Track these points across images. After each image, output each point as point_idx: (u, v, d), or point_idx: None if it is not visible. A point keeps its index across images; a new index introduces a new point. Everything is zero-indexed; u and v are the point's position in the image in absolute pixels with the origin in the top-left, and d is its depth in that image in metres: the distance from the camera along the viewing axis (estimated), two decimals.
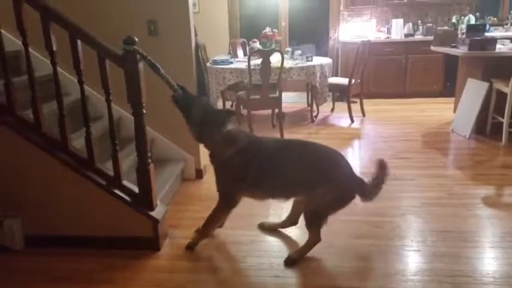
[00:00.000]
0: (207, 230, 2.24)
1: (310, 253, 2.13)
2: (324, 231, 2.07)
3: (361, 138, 4.43)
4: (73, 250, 2.22)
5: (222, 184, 2.15)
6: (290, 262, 2.05)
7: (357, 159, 3.86)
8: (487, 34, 4.86)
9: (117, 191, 2.18)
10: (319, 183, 2.00)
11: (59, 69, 2.10)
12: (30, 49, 2.07)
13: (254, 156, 2.06)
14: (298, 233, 2.31)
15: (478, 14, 6.22)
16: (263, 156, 2.07)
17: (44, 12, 1.98)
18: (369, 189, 2.09)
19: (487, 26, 5.62)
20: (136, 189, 2.20)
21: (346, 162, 2.12)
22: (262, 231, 2.37)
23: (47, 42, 2.01)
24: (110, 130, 2.14)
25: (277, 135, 4.33)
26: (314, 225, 2.06)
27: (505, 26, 6.19)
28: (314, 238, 2.08)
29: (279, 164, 2.06)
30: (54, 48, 2.04)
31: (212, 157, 2.14)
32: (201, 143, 2.16)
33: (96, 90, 2.69)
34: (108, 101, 2.09)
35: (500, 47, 4.05)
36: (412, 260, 2.07)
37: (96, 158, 2.17)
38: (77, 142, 2.30)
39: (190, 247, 2.21)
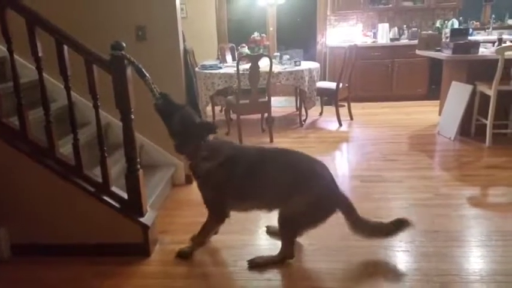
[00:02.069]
0: (201, 241, 2.20)
1: (302, 256, 2.14)
2: (313, 233, 2.08)
3: (349, 141, 4.48)
4: (62, 258, 2.18)
5: (208, 198, 2.13)
6: (253, 265, 2.06)
7: (345, 162, 3.89)
8: (470, 38, 4.97)
9: (106, 198, 2.16)
10: (296, 191, 1.97)
11: (45, 75, 2.08)
12: (15, 55, 2.05)
13: (235, 168, 2.03)
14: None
15: (461, 18, 6.36)
16: (244, 167, 2.04)
17: (29, 17, 1.97)
18: (359, 220, 2.03)
19: (470, 30, 5.75)
20: (125, 196, 2.19)
21: (328, 173, 2.07)
22: (269, 235, 2.35)
23: (33, 48, 1.99)
24: (98, 136, 2.13)
25: (267, 139, 4.35)
26: (287, 234, 2.04)
27: (487, 30, 6.34)
28: (285, 251, 2.06)
29: (259, 174, 2.04)
30: (40, 54, 2.02)
31: (193, 169, 2.12)
32: (180, 153, 2.16)
33: (83, 96, 2.67)
34: (95, 106, 2.08)
35: (483, 51, 4.15)
36: (401, 260, 2.10)
37: (84, 164, 2.15)
38: (65, 149, 2.28)
39: (183, 255, 2.16)
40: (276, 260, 2.07)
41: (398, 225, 2.05)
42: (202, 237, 2.20)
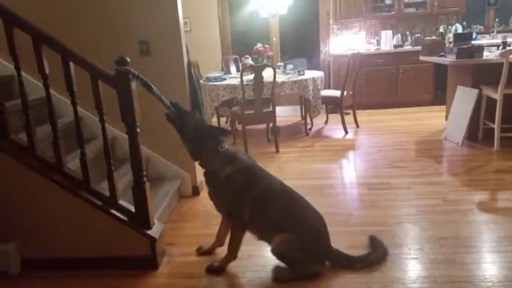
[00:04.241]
0: (233, 255, 2.14)
1: None
2: None
3: (355, 149, 4.46)
4: (70, 272, 2.20)
5: (226, 205, 2.11)
6: (280, 280, 2.04)
7: (352, 170, 3.88)
8: (474, 42, 4.96)
9: (113, 211, 2.18)
10: (289, 229, 1.99)
11: (51, 91, 2.11)
12: (22, 73, 2.09)
13: (255, 180, 2.05)
14: None
15: (464, 23, 6.36)
16: (262, 185, 2.05)
17: (36, 35, 2.01)
18: (352, 259, 2.07)
19: (474, 34, 5.74)
20: (132, 209, 2.20)
21: (324, 225, 2.09)
22: None
23: (39, 65, 2.03)
24: (104, 150, 2.15)
25: (273, 149, 4.36)
26: (286, 264, 2.04)
27: (491, 34, 6.33)
28: (299, 274, 2.02)
29: (272, 194, 2.06)
30: (47, 72, 2.06)
31: (208, 176, 2.11)
32: (195, 160, 2.15)
33: (90, 110, 2.71)
34: (101, 121, 2.11)
35: (487, 54, 4.13)
36: (411, 267, 2.07)
37: (91, 178, 2.18)
38: (72, 163, 2.31)
39: (212, 271, 2.12)
40: (297, 276, 2.02)
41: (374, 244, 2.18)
42: (232, 251, 2.13)
